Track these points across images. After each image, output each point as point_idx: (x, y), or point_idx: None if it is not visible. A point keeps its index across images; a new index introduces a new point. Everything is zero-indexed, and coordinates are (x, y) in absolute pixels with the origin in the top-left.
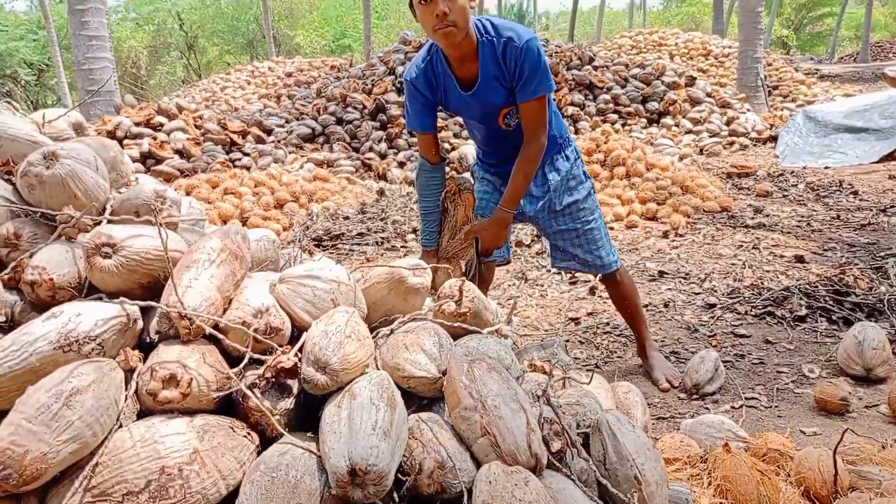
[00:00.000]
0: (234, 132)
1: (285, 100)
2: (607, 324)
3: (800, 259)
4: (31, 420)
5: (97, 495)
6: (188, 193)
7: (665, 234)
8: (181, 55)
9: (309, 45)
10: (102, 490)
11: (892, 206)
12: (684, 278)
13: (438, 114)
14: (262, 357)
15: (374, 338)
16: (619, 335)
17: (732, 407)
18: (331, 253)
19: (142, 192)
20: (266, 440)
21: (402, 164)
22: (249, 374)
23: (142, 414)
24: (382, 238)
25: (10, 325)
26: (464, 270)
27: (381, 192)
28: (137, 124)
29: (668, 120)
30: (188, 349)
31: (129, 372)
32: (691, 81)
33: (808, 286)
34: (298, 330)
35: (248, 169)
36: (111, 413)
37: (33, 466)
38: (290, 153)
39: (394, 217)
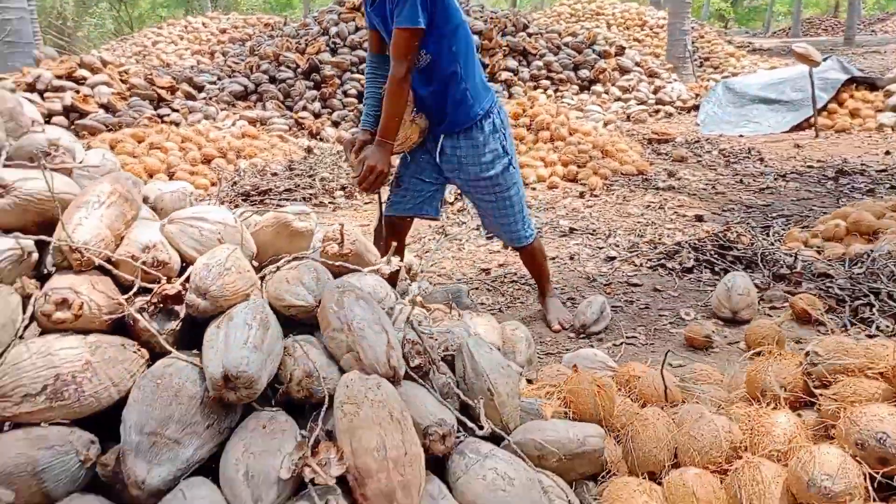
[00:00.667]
0: (162, 87)
1: (219, 57)
2: (514, 274)
3: (699, 218)
4: None
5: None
6: (112, 147)
7: (581, 195)
8: (111, 6)
9: (247, 0)
10: (3, 393)
11: (791, 173)
12: (592, 234)
13: None
14: (152, 286)
15: (262, 275)
16: (523, 284)
17: (613, 344)
18: (258, 209)
19: (34, 141)
20: (156, 357)
21: (336, 124)
22: (139, 301)
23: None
24: (310, 194)
25: None
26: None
27: (308, 150)
28: (59, 77)
29: (598, 87)
30: (80, 278)
31: (27, 297)
32: (621, 51)
33: (697, 241)
34: (188, 265)
35: (177, 125)
36: (8, 330)
37: None
38: (221, 110)
39: (322, 174)
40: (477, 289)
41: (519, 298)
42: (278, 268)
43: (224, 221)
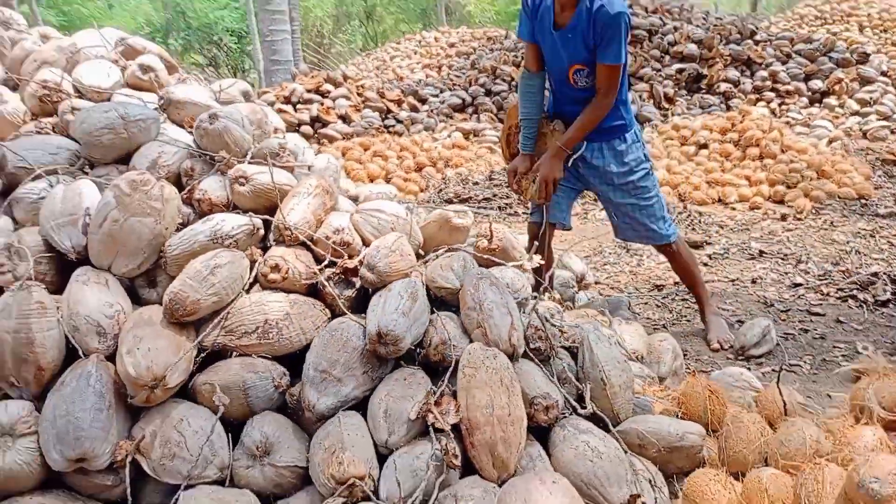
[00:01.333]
0: (390, 100)
1: (445, 70)
2: (686, 292)
3: None
4: (191, 279)
5: (226, 331)
6: (343, 154)
7: (783, 217)
8: (361, 24)
9: (480, 13)
10: (229, 329)
11: None
12: (782, 259)
13: None
14: (338, 261)
15: (425, 260)
16: (693, 303)
17: (773, 370)
18: None
19: (270, 144)
20: (335, 316)
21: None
22: (328, 272)
23: None
24: (506, 203)
25: (185, 225)
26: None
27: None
28: (309, 91)
29: (831, 100)
30: (289, 250)
31: (253, 262)
32: (864, 58)
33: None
34: (367, 246)
35: (399, 135)
36: (238, 284)
37: (191, 306)
38: (440, 121)
39: None
40: (646, 303)
41: (686, 316)
42: (437, 256)
43: (397, 214)
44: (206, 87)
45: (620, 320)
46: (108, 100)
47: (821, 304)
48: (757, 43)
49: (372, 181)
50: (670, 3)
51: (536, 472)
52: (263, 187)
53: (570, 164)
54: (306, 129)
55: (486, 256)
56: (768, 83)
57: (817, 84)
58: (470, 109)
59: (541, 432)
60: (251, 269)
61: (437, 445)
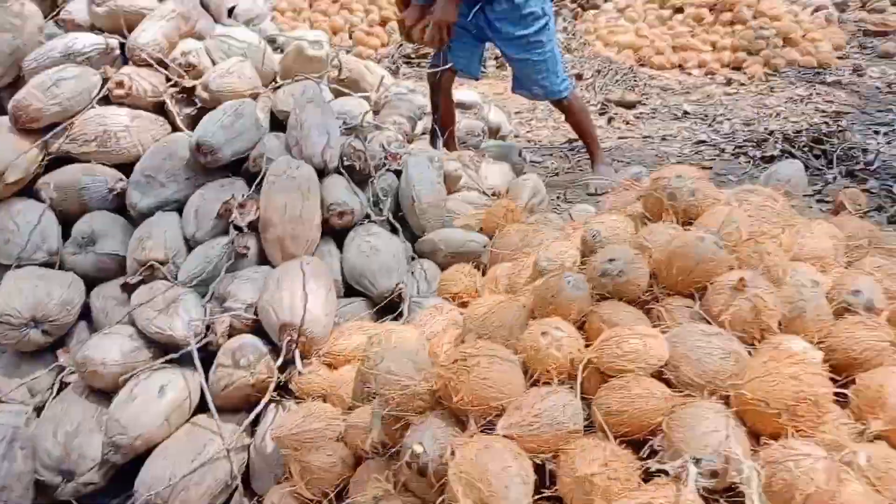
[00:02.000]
0: None
1: None
2: None
3: (837, 116)
4: (35, 89)
5: (70, 139)
6: (310, 6)
7: (728, 82)
8: None
9: None
10: (73, 137)
11: None
12: (702, 119)
13: None
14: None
15: (275, 87)
16: None
17: None
18: (417, 69)
19: None
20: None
21: None
22: (172, 91)
23: None
24: None
25: None
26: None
27: None
28: None
29: None
30: (138, 70)
31: (106, 79)
32: None
33: (794, 133)
34: None
35: None
36: (84, 97)
37: (34, 113)
38: None
39: None
40: (551, 155)
41: (581, 167)
42: (290, 83)
43: (248, 41)
44: None
45: (490, 161)
46: None
47: (714, 160)
48: None
49: (335, 34)
50: None
51: (306, 261)
52: (118, 9)
53: (471, 17)
54: None
55: (334, 86)
56: None
57: None
58: None
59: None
60: (103, 86)
61: (233, 238)
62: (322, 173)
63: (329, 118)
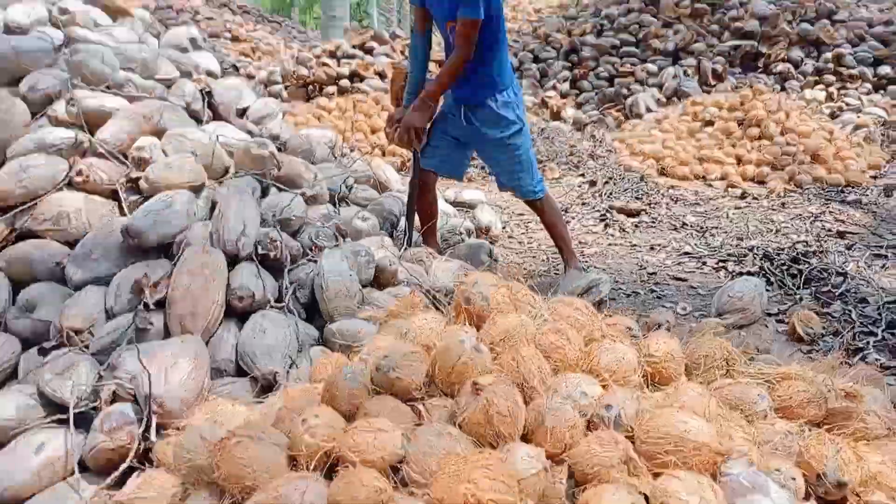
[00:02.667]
0: (433, 61)
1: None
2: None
3: (840, 235)
4: (6, 173)
5: (32, 217)
6: (354, 107)
7: (742, 196)
8: None
9: None
10: (34, 216)
11: None
12: (698, 231)
13: None
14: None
15: (220, 180)
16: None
17: None
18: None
19: (116, 77)
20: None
21: (580, 106)
22: (122, 179)
23: None
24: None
25: None
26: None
27: None
28: (354, 47)
29: None
30: (100, 161)
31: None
32: None
33: (774, 250)
34: None
35: None
36: (49, 182)
37: (1, 194)
38: None
39: None
40: (534, 257)
41: (557, 270)
42: (232, 176)
43: (200, 140)
44: (130, 30)
45: (442, 259)
46: (26, 33)
47: (693, 273)
48: (834, 23)
49: (374, 133)
50: None
51: (184, 339)
52: (88, 109)
53: (453, 117)
54: (344, 82)
55: (272, 183)
56: (831, 66)
57: (885, 70)
58: (516, 74)
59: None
60: (69, 173)
61: (141, 312)
62: (235, 259)
63: (250, 210)
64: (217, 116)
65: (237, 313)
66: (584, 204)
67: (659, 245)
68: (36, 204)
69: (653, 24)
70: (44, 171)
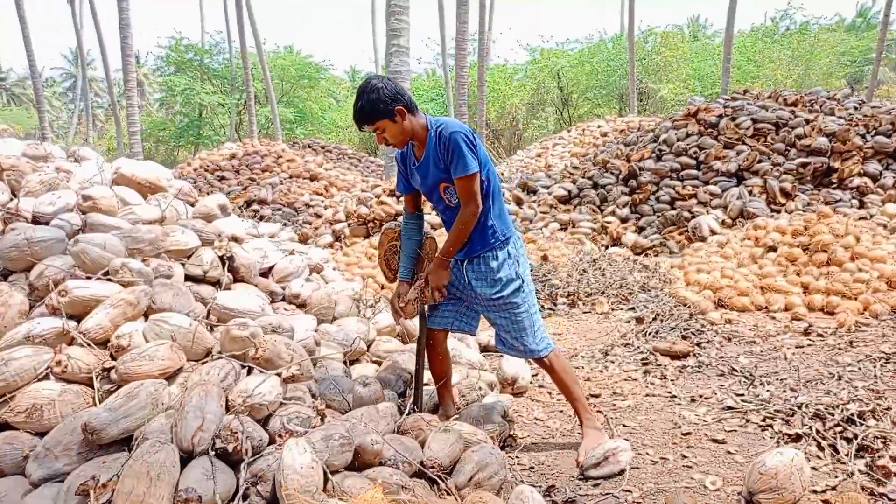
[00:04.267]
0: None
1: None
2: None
3: None
4: None
5: (9, 409)
6: None
7: (807, 332)
8: (556, 110)
9: (674, 98)
10: (11, 408)
11: None
12: (747, 379)
13: None
14: (107, 363)
15: (203, 362)
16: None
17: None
18: None
19: (114, 264)
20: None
21: (641, 230)
22: (98, 368)
23: None
24: None
25: None
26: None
27: (544, 258)
28: None
29: None
30: (79, 350)
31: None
32: None
33: (826, 407)
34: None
35: None
36: (30, 373)
37: None
38: (541, 212)
39: (554, 280)
40: (562, 411)
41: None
42: (208, 360)
43: (180, 325)
44: (157, 206)
45: (441, 428)
46: (48, 222)
47: (734, 432)
48: None
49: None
50: (818, 93)
51: None
52: (78, 298)
53: (465, 276)
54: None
55: (248, 364)
56: None
57: None
58: (576, 201)
59: None
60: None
61: None
62: (190, 455)
63: (211, 402)
64: (238, 279)
65: None
66: (626, 345)
67: (701, 396)
68: (13, 395)
69: (713, 147)
70: (26, 363)
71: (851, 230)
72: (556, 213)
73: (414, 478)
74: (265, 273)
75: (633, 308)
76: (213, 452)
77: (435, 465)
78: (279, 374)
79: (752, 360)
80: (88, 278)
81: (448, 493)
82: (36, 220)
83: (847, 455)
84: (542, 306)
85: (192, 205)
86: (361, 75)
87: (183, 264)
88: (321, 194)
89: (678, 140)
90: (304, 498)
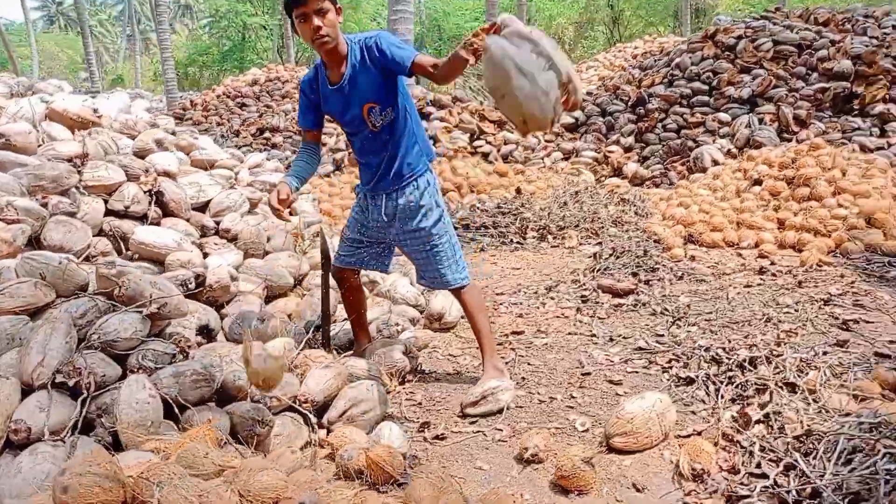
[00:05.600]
0: (492, 121)
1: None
2: (524, 345)
3: (845, 327)
4: None
5: None
6: None
7: (761, 271)
8: (606, 29)
9: (732, 16)
10: None
11: None
12: (672, 319)
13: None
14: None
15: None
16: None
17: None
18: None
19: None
20: None
21: (644, 160)
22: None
23: None
24: (501, 232)
25: None
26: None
27: (518, 191)
28: None
29: None
30: None
31: None
32: None
33: (728, 351)
34: None
35: (485, 156)
36: None
37: None
38: (546, 141)
39: (525, 214)
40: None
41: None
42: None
43: (49, 262)
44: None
45: (322, 365)
46: None
47: (635, 373)
48: None
49: None
50: (855, 10)
51: None
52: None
53: (384, 211)
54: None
55: (113, 303)
56: None
57: None
58: (583, 129)
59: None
60: None
61: None
62: (31, 389)
63: (56, 339)
64: (168, 213)
65: (19, 446)
66: (574, 281)
67: (620, 336)
68: None
69: (728, 71)
70: None
71: (838, 163)
72: (561, 143)
73: (287, 412)
74: (201, 207)
75: (600, 243)
76: (53, 387)
77: (309, 400)
78: (139, 312)
79: (694, 299)
80: None
81: (319, 429)
82: None
83: (723, 399)
84: (511, 240)
85: (133, 138)
86: None
87: (106, 200)
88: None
89: (692, 64)
90: (136, 431)
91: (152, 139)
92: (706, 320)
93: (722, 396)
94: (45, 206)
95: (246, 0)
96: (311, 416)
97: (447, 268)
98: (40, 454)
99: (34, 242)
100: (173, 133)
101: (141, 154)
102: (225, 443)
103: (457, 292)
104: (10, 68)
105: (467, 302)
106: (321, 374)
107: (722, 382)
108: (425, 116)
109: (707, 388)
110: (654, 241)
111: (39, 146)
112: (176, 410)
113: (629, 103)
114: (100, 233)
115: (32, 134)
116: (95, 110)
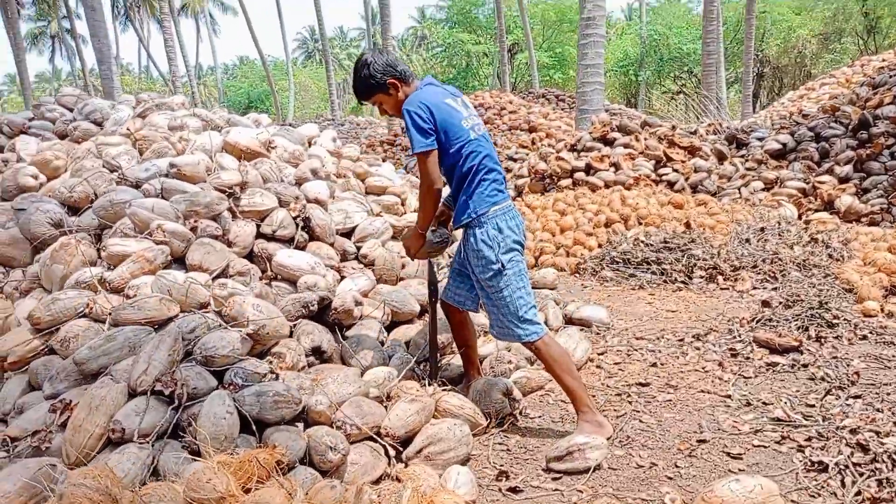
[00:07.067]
0: (682, 148)
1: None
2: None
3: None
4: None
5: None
6: (556, 201)
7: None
8: (858, 39)
9: None
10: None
11: None
12: (834, 387)
13: None
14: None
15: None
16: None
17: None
18: (612, 275)
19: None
20: None
21: (863, 192)
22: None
23: None
24: (663, 269)
25: None
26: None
27: (687, 225)
28: (595, 139)
29: None
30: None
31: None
32: None
33: (881, 436)
34: None
35: (671, 185)
36: (71, 312)
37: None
38: (746, 169)
39: (694, 251)
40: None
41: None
42: (200, 312)
43: (175, 280)
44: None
45: (416, 399)
46: (139, 187)
47: (762, 447)
48: None
49: (563, 232)
50: None
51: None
52: (114, 253)
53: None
54: (579, 175)
55: (213, 321)
56: None
57: None
58: (791, 156)
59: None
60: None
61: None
62: (132, 393)
63: (161, 351)
64: (314, 238)
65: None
66: (729, 331)
67: (760, 401)
68: (59, 328)
69: None
70: (68, 303)
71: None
72: (764, 171)
73: (368, 441)
74: (348, 233)
75: (776, 288)
76: (153, 394)
77: (389, 433)
78: (239, 331)
79: (871, 365)
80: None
81: (397, 462)
82: (137, 185)
83: (858, 498)
84: (675, 279)
85: (295, 166)
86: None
87: (258, 224)
88: (526, 147)
89: None
90: (211, 443)
91: (309, 168)
92: (876, 393)
93: (858, 493)
94: (194, 229)
95: (472, 31)
96: (390, 448)
97: (512, 321)
98: (126, 454)
99: (182, 262)
100: (357, 160)
101: (299, 182)
102: (293, 466)
103: (529, 346)
104: (272, 102)
105: (542, 357)
106: (405, 407)
107: (862, 475)
108: (609, 143)
109: (843, 479)
110: (846, 291)
111: (209, 174)
112: (253, 427)
113: (849, 126)
114: (250, 254)
115: (202, 164)
116: (270, 142)
